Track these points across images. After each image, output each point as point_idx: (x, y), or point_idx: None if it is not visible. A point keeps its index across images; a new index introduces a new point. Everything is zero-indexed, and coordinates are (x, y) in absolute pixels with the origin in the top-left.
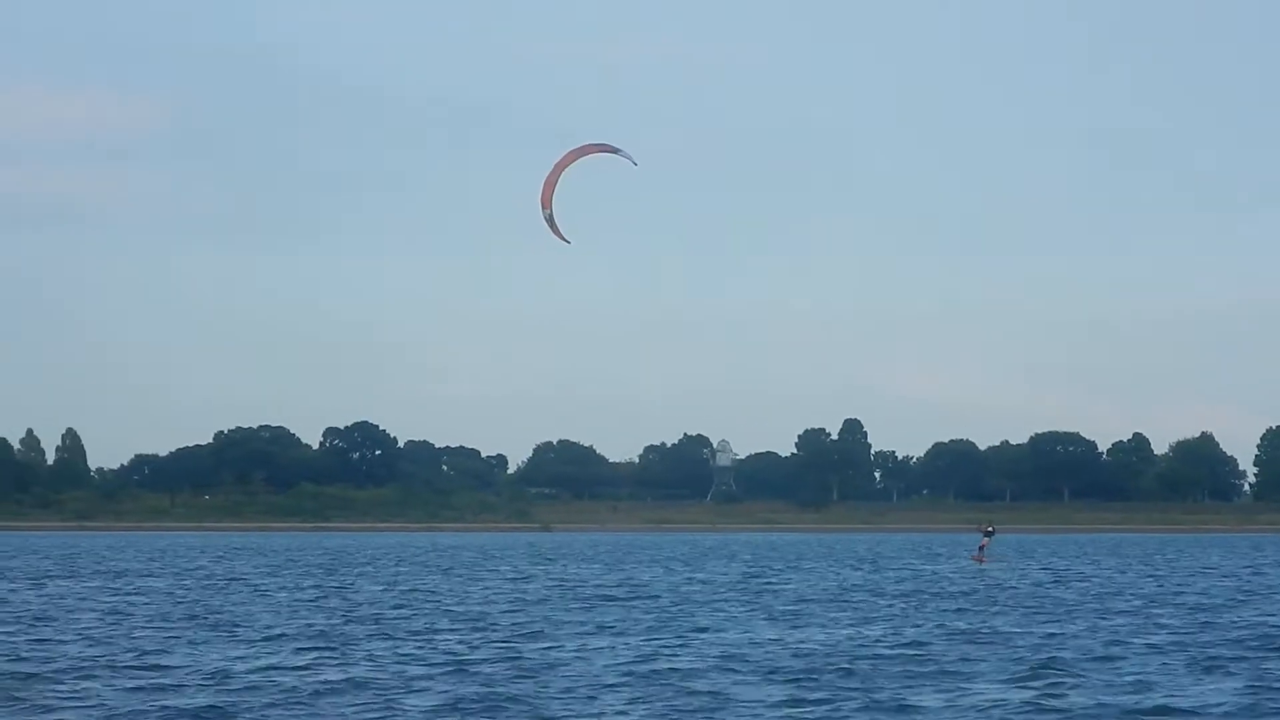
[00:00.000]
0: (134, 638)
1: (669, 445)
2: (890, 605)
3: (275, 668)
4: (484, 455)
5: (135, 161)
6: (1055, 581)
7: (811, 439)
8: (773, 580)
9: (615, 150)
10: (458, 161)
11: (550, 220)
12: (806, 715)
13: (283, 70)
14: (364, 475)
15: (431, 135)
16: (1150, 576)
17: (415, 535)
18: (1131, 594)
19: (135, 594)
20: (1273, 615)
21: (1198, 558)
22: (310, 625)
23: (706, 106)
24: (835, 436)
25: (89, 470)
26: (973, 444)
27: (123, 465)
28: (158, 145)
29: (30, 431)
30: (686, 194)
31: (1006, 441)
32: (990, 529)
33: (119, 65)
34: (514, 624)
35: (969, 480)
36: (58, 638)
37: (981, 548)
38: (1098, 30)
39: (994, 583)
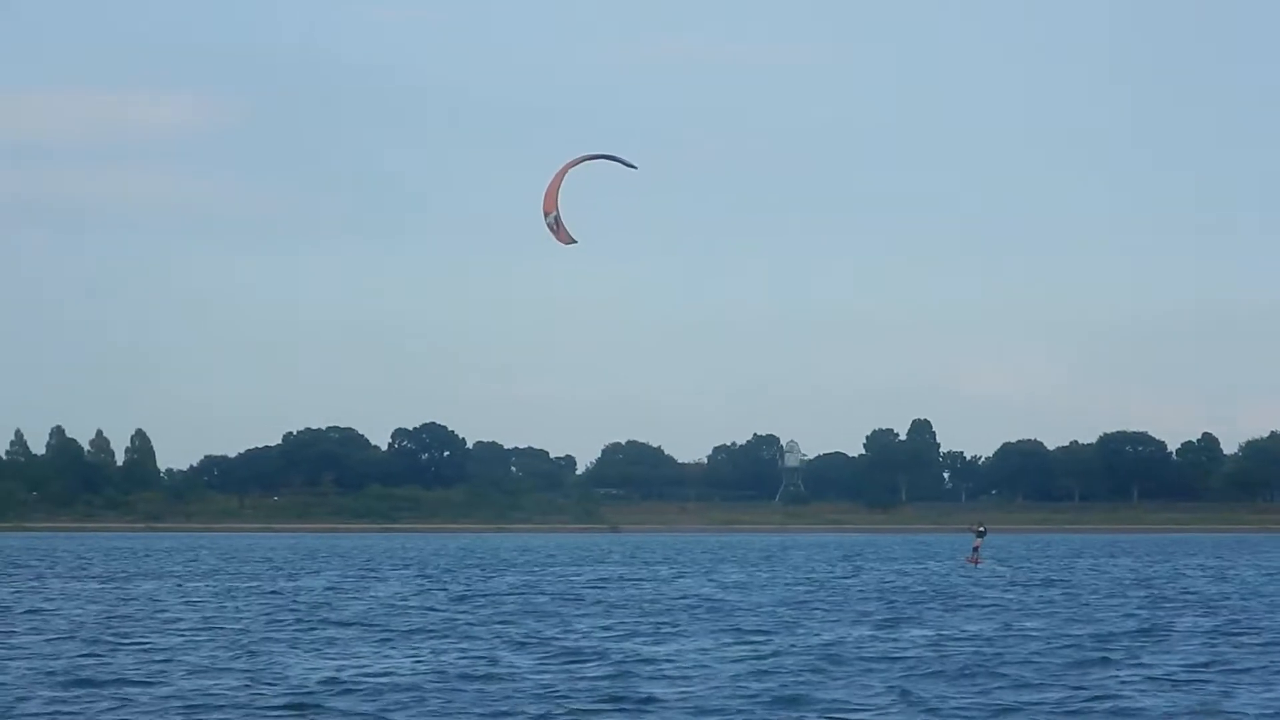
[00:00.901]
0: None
1: (737, 446)
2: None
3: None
4: (553, 456)
5: (197, 163)
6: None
7: (880, 439)
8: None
9: (614, 157)
10: (523, 161)
11: (554, 224)
12: None
13: (348, 71)
14: (433, 476)
15: (498, 136)
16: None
17: (497, 537)
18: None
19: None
20: None
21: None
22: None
23: (762, 105)
24: (904, 437)
25: (158, 471)
26: (1041, 444)
27: (192, 466)
28: (220, 147)
29: (100, 433)
30: (753, 193)
31: (1075, 441)
32: (982, 530)
33: (185, 67)
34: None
35: (1038, 480)
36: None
37: (975, 549)
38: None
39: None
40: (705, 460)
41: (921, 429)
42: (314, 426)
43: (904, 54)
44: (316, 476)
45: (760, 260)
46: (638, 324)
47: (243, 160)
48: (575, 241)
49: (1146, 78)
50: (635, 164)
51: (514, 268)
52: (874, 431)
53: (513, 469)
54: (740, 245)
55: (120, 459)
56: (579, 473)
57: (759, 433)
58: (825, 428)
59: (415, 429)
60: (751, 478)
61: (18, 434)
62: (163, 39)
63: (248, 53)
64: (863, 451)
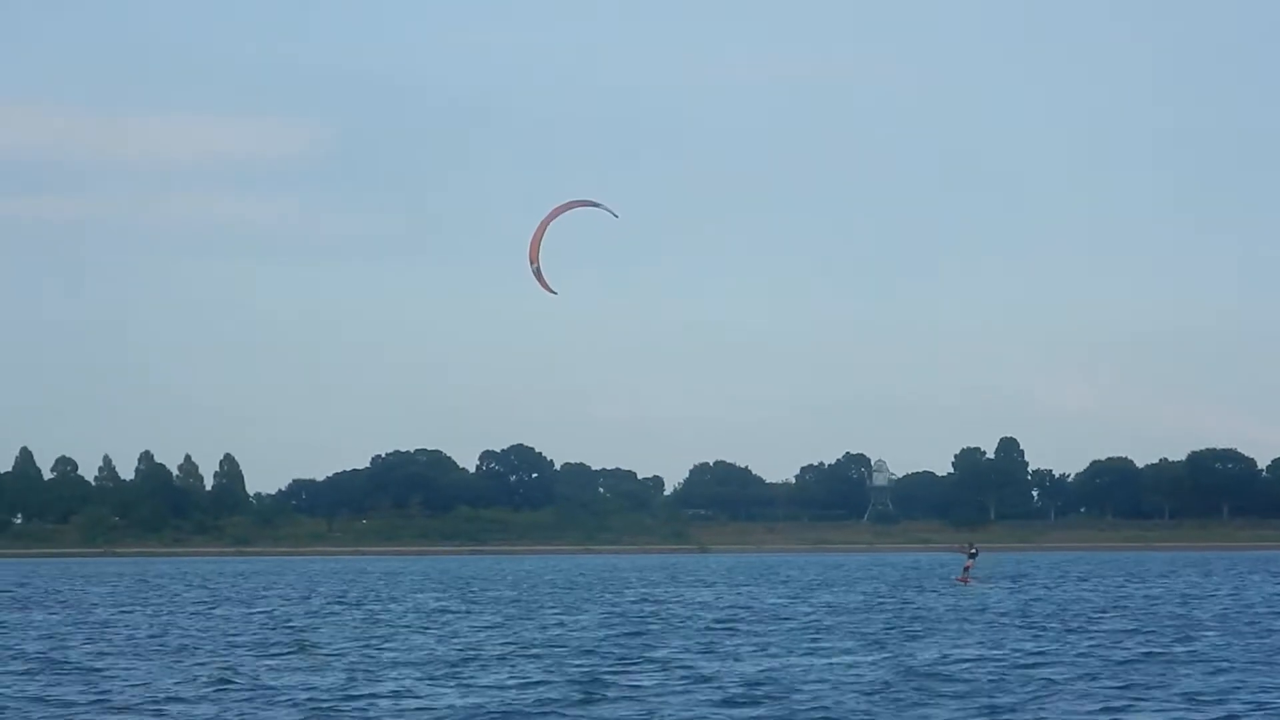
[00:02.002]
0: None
1: (826, 465)
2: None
3: None
4: (640, 477)
5: (280, 187)
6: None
7: (968, 458)
8: None
9: (597, 204)
10: (612, 181)
11: (537, 273)
12: None
13: (435, 91)
14: (520, 498)
15: (583, 156)
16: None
17: (585, 558)
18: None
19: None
20: None
21: None
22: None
23: (845, 126)
24: (991, 455)
25: (247, 495)
26: (1130, 461)
27: (280, 490)
28: (300, 170)
29: (188, 457)
30: (839, 213)
31: (1165, 459)
32: (974, 550)
33: (283, 91)
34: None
35: (1127, 498)
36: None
37: (966, 569)
38: None
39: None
40: (793, 480)
41: (1009, 447)
42: (402, 449)
43: (991, 77)
44: (404, 499)
45: (847, 280)
46: (725, 344)
47: (323, 184)
48: (556, 293)
49: (1218, 85)
50: (617, 213)
51: (602, 289)
52: (962, 450)
53: (600, 490)
54: (827, 265)
55: (209, 483)
56: (667, 493)
57: (848, 452)
58: (913, 446)
59: (503, 451)
60: (840, 497)
61: (106, 459)
62: (249, 64)
63: (331, 78)
64: (951, 470)
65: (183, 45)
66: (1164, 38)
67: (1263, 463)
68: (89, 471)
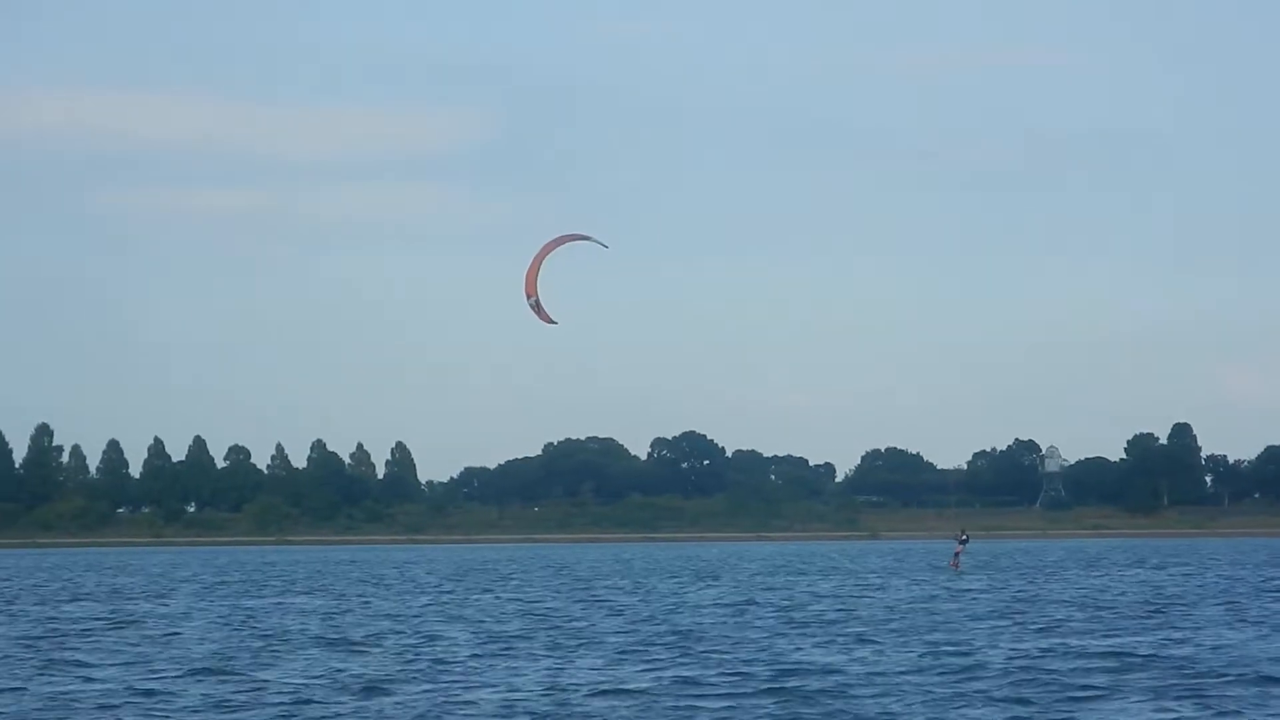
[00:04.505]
0: None
1: (997, 451)
2: None
3: None
4: (812, 464)
5: (448, 178)
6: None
7: (1140, 443)
8: None
9: (587, 237)
10: (772, 166)
11: (536, 306)
12: None
13: (599, 81)
14: (692, 485)
15: (750, 142)
16: None
17: (752, 545)
18: None
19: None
20: None
21: None
22: None
23: (1012, 113)
24: (1164, 441)
25: (419, 484)
26: None
27: (452, 478)
28: (471, 162)
29: (360, 445)
30: (1003, 200)
31: None
32: (964, 536)
33: (441, 82)
34: None
35: None
36: None
37: (957, 554)
38: None
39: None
40: (965, 466)
41: (1182, 432)
42: (573, 437)
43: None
44: (576, 487)
45: (1013, 264)
46: (896, 330)
47: (488, 173)
48: (555, 323)
49: None
50: (607, 244)
51: (772, 275)
52: (1134, 436)
53: (772, 477)
54: (996, 252)
55: (380, 472)
56: (838, 480)
57: (1019, 438)
58: (1085, 432)
59: (675, 438)
60: (1012, 483)
61: (279, 448)
62: (417, 57)
63: (495, 70)
64: (1123, 456)
65: (335, 37)
66: None
67: None
68: (262, 460)
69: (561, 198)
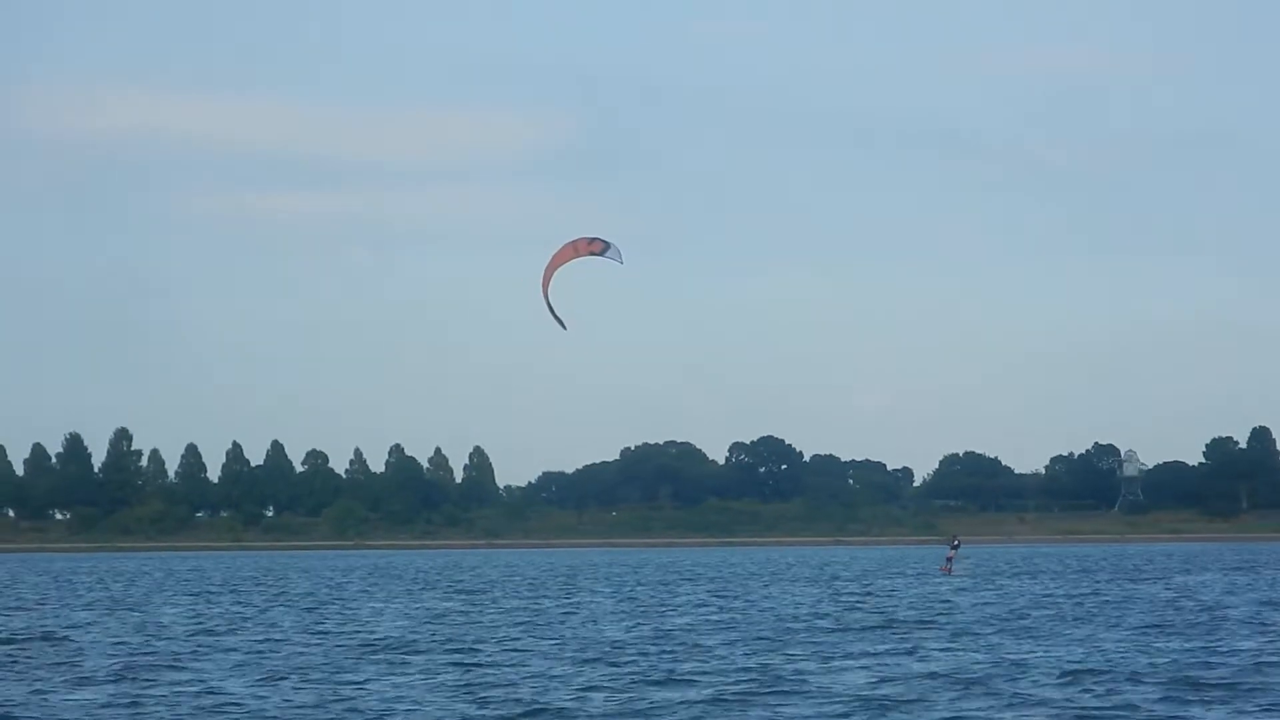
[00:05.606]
0: None
1: (1076, 455)
2: None
3: None
4: (890, 468)
5: (522, 180)
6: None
7: (1220, 447)
8: None
9: (608, 245)
10: (851, 169)
11: (551, 308)
12: None
13: (687, 85)
14: (770, 490)
15: (830, 143)
16: None
17: (826, 550)
18: None
19: None
20: None
21: None
22: None
23: (1106, 116)
24: (1244, 445)
25: (497, 488)
26: None
27: (530, 483)
28: (547, 164)
29: (438, 450)
30: (1091, 205)
31: None
32: (956, 542)
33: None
34: None
35: None
36: None
37: (949, 559)
38: None
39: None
40: (1043, 470)
41: (1261, 436)
42: (651, 441)
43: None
44: (654, 491)
45: (1098, 270)
46: (975, 333)
47: (572, 179)
48: (566, 328)
49: None
50: (622, 260)
51: (849, 279)
52: (1213, 439)
53: (850, 481)
54: (1076, 256)
55: (459, 476)
56: (916, 484)
57: (1098, 442)
58: (1164, 436)
59: (752, 443)
60: (1090, 487)
61: (357, 453)
62: (490, 58)
63: (573, 71)
64: (1202, 460)
65: (418, 40)
66: None
67: None
68: (340, 465)
69: (644, 200)
